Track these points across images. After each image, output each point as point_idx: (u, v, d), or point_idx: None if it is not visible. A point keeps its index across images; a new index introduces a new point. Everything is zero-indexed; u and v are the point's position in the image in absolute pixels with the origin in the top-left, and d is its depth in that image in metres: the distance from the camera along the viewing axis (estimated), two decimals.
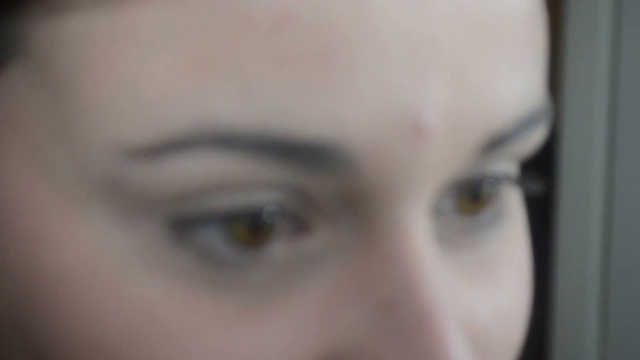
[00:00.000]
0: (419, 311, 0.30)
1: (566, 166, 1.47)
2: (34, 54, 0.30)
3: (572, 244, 1.48)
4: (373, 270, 0.31)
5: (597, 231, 1.47)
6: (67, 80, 0.29)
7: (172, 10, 0.28)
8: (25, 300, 0.31)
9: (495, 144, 0.32)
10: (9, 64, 0.30)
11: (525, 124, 0.33)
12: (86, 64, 0.29)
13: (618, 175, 1.47)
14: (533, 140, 0.34)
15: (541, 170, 1.49)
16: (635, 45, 1.46)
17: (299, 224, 0.31)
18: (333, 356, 0.31)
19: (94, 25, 0.29)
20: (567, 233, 1.49)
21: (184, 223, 0.30)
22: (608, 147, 1.47)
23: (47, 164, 0.30)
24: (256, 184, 0.29)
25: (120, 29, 0.29)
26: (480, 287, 0.35)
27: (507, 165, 0.35)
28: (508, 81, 0.31)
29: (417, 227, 0.31)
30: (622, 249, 1.46)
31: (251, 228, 0.30)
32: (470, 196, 0.34)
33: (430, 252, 0.31)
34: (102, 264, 0.30)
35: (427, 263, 0.31)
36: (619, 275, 1.46)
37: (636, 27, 1.48)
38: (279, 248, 0.31)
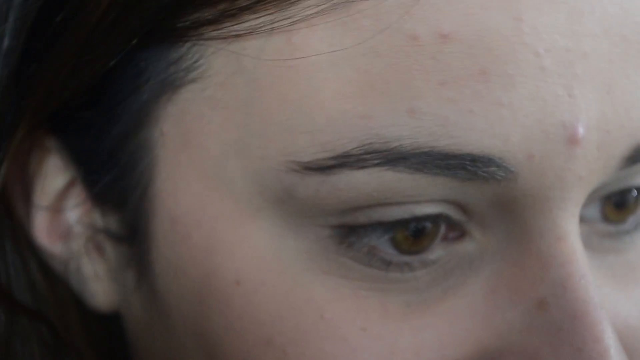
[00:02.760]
0: (574, 310, 0.32)
1: None
2: (213, 78, 0.32)
3: None
4: (527, 272, 0.33)
5: None
6: (245, 102, 0.32)
7: (342, 33, 0.31)
8: (201, 303, 0.34)
9: None
10: (187, 87, 0.33)
11: None
12: (263, 87, 0.32)
13: None
14: None
15: None
16: None
17: (457, 230, 0.33)
18: (489, 354, 0.33)
19: (270, 49, 0.31)
20: None
21: (354, 230, 0.32)
22: None
23: (223, 178, 0.33)
24: (421, 196, 0.31)
25: (293, 53, 0.31)
26: (627, 290, 0.36)
27: None
28: None
29: (571, 231, 0.33)
30: None
31: (414, 235, 0.32)
32: (616, 205, 0.36)
33: (582, 254, 0.33)
34: (274, 268, 0.33)
35: (581, 264, 0.32)
36: None
37: None
38: (438, 252, 0.33)
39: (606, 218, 0.36)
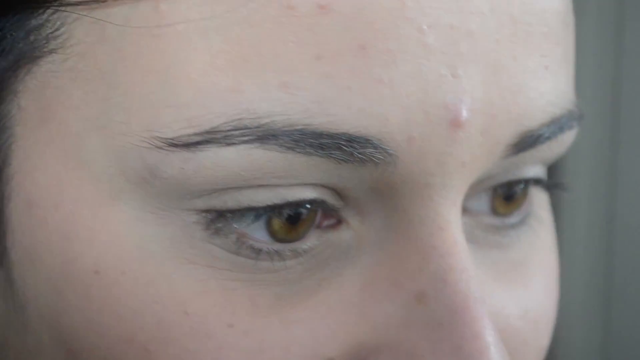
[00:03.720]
0: (454, 304, 0.30)
1: (570, 171, 1.47)
2: (75, 47, 0.30)
3: (575, 251, 1.48)
4: (406, 263, 0.31)
5: (601, 232, 1.48)
6: (108, 73, 0.30)
7: (213, 3, 0.28)
8: (59, 295, 0.31)
9: (527, 144, 0.32)
10: (47, 58, 0.30)
11: (557, 127, 0.33)
12: (127, 57, 0.29)
13: (620, 178, 1.47)
14: (564, 143, 0.34)
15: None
16: (638, 46, 1.46)
17: (333, 218, 0.31)
18: (366, 349, 0.31)
19: (136, 17, 0.29)
20: (570, 236, 1.49)
21: (222, 215, 0.30)
22: (611, 148, 1.47)
23: (83, 156, 0.30)
24: (294, 178, 0.30)
25: (160, 23, 0.29)
26: (510, 289, 0.35)
27: (537, 168, 0.36)
28: (540, 80, 0.32)
29: (452, 221, 0.31)
30: (625, 254, 1.47)
31: (287, 222, 0.30)
32: (505, 197, 0.35)
33: (464, 245, 0.31)
34: (136, 256, 0.30)
35: (462, 256, 0.31)
36: (621, 281, 1.46)
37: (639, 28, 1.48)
38: (312, 241, 0.31)
39: (495, 211, 0.35)
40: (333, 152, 0.29)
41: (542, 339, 0.36)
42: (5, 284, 0.33)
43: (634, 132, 1.49)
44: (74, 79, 0.30)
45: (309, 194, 0.30)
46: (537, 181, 0.36)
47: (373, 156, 0.29)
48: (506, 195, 0.35)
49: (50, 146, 0.31)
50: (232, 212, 0.30)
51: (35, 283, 0.32)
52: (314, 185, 0.30)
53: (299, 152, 0.29)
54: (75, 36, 0.30)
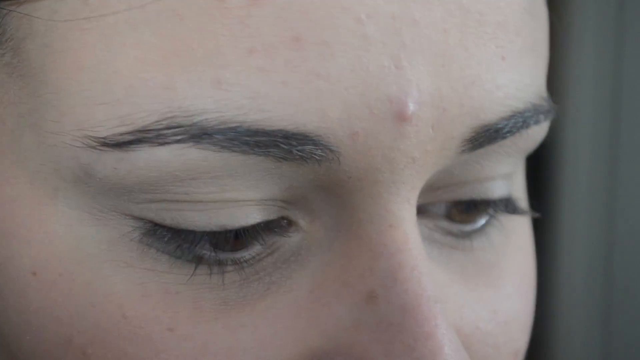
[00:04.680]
0: (405, 303, 0.29)
1: (566, 171, 1.46)
2: (8, 42, 0.29)
3: (573, 251, 1.47)
4: (356, 263, 0.30)
5: (600, 235, 1.46)
6: (38, 69, 0.29)
7: None
8: None
9: (485, 139, 0.31)
10: None
11: (519, 121, 0.31)
12: (56, 53, 0.28)
13: (620, 177, 1.46)
14: (532, 138, 0.33)
15: (540, 177, 1.48)
16: (638, 46, 1.45)
17: (282, 220, 0.30)
18: (315, 355, 0.30)
19: (63, 10, 0.28)
20: (568, 237, 1.48)
21: (160, 225, 0.29)
22: (610, 149, 1.46)
23: (19, 155, 0.29)
24: (233, 177, 0.28)
25: (89, 15, 0.28)
26: (478, 291, 0.33)
27: (503, 186, 0.34)
28: (497, 72, 0.30)
29: (404, 218, 0.30)
30: (625, 254, 1.45)
31: (234, 237, 0.29)
32: (466, 209, 0.33)
33: (417, 243, 0.30)
34: (73, 257, 0.29)
35: (414, 254, 0.29)
36: (621, 281, 1.45)
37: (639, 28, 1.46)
38: (259, 245, 0.30)
39: (451, 218, 0.33)
40: (270, 150, 0.28)
41: (515, 342, 0.34)
42: None
43: (634, 132, 1.47)
44: (10, 74, 0.29)
45: (252, 218, 0.29)
46: (504, 203, 0.34)
47: (314, 153, 0.28)
48: (466, 208, 0.33)
49: None
50: (169, 229, 0.29)
51: None
52: (255, 187, 0.29)
53: (235, 151, 0.28)
54: (8, 31, 0.29)
